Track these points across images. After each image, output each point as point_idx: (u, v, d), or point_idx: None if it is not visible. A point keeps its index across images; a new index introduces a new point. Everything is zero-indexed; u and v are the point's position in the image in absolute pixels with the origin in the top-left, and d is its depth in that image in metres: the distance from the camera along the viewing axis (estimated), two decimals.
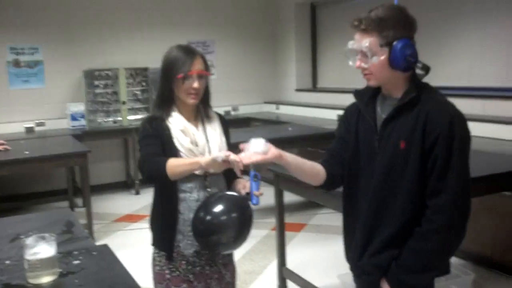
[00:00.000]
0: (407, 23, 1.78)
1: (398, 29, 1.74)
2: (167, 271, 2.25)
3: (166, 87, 2.19)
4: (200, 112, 2.30)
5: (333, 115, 6.68)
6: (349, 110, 2.03)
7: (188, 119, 2.24)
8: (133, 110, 7.04)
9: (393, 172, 1.79)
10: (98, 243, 4.88)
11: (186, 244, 2.20)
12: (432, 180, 1.72)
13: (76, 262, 1.96)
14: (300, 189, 3.64)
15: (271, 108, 8.23)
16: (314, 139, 5.71)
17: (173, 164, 2.05)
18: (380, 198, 1.82)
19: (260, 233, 5.15)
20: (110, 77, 6.97)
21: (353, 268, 2.02)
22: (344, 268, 4.35)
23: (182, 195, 2.18)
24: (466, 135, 1.75)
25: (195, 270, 2.24)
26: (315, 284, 3.68)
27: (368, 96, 1.94)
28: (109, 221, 5.81)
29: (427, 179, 1.73)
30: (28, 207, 6.34)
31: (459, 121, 1.73)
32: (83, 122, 6.85)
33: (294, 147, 6.16)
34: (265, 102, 8.35)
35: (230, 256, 2.36)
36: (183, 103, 2.21)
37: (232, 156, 1.90)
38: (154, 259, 2.30)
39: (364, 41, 1.77)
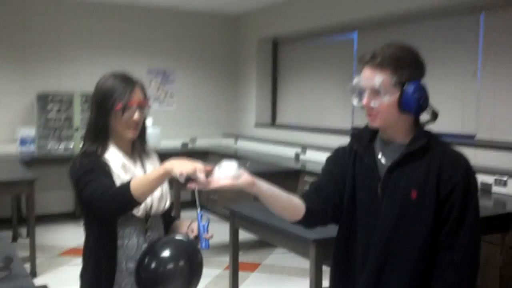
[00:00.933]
0: (421, 65, 1.71)
1: (412, 70, 1.67)
2: None
3: (100, 120, 1.94)
4: (137, 147, 2.06)
5: (291, 152, 6.67)
6: (342, 151, 1.88)
7: (126, 154, 2.00)
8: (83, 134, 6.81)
9: (403, 223, 1.68)
10: (40, 277, 4.72)
11: None
12: (445, 233, 1.65)
13: None
14: (256, 228, 3.54)
15: (230, 142, 8.16)
16: (271, 176, 5.53)
17: (138, 183, 1.75)
18: (386, 253, 1.69)
19: (212, 273, 4.99)
20: (64, 102, 6.76)
21: None
22: None
23: (120, 242, 1.93)
24: (477, 187, 1.70)
25: None
26: None
27: (366, 140, 1.81)
28: (53, 255, 5.52)
29: (440, 231, 1.66)
30: None
31: (472, 172, 1.69)
32: (32, 147, 6.59)
33: None
34: (224, 136, 8.28)
35: None
36: (120, 137, 1.98)
37: (199, 175, 1.61)
38: None
39: (378, 78, 1.66)
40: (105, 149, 1.96)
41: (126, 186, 1.76)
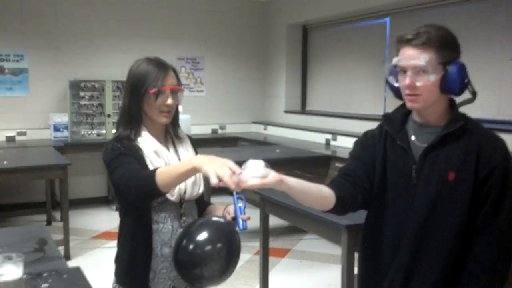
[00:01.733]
0: (459, 46, 1.69)
1: (454, 50, 1.66)
2: None
3: (134, 104, 1.93)
4: (170, 132, 2.06)
5: (321, 138, 6.60)
6: (371, 134, 1.86)
7: (159, 140, 1.98)
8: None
9: (440, 205, 1.66)
10: (74, 260, 4.81)
11: (158, 282, 1.94)
12: (483, 214, 1.63)
13: (44, 285, 1.82)
14: (286, 214, 3.53)
15: (259, 129, 8.14)
16: (302, 162, 5.62)
17: (164, 174, 1.72)
18: (422, 235, 1.68)
19: (242, 257, 4.98)
20: (96, 89, 6.83)
21: None
22: None
23: (154, 226, 1.92)
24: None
25: None
26: None
27: (398, 122, 1.79)
28: (87, 238, 5.62)
29: (477, 213, 1.64)
30: (3, 219, 6.14)
31: (510, 156, 1.67)
32: (65, 133, 6.69)
33: (281, 169, 6.03)
34: (253, 122, 8.26)
35: None
36: (153, 122, 1.97)
37: (227, 178, 1.56)
38: None
39: (423, 56, 1.62)
40: (138, 134, 1.94)
41: (152, 174, 1.73)
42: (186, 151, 2.05)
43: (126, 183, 1.79)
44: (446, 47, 1.63)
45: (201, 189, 2.03)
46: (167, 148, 2.02)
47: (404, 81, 1.66)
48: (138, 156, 1.89)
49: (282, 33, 7.88)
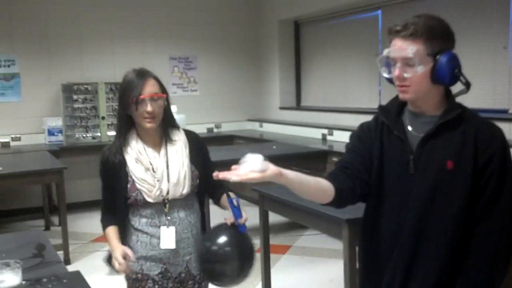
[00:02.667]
0: (452, 36, 1.68)
1: (444, 41, 1.65)
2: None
3: (123, 112, 2.16)
4: (163, 135, 2.23)
5: (318, 133, 6.59)
6: (367, 126, 1.85)
7: (149, 143, 2.19)
8: (113, 126, 6.84)
9: (439, 195, 1.65)
10: (73, 264, 4.78)
11: (150, 265, 2.18)
12: (483, 203, 1.63)
13: None
14: (285, 210, 3.52)
15: (255, 126, 8.11)
16: (299, 157, 5.60)
17: (106, 234, 2.21)
18: (421, 225, 1.67)
19: None
20: (89, 92, 6.80)
21: None
22: None
23: (143, 220, 2.20)
24: (511, 160, 1.68)
25: None
26: None
27: (394, 113, 1.78)
28: (86, 241, 5.60)
29: (478, 197, 1.63)
30: (1, 226, 6.10)
31: (507, 143, 1.67)
32: (60, 137, 6.66)
33: (278, 166, 6.02)
34: (248, 120, 8.24)
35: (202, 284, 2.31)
36: (141, 127, 2.16)
37: (222, 175, 1.60)
38: None
39: (411, 47, 1.62)
40: (127, 143, 2.17)
41: (103, 226, 2.23)
42: (176, 152, 2.20)
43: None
44: (435, 37, 1.62)
45: (186, 190, 2.19)
46: (158, 152, 2.18)
47: (394, 72, 1.67)
48: (121, 173, 2.16)
49: (274, 29, 7.85)
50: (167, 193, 2.15)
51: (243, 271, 2.03)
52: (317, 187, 1.70)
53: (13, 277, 1.65)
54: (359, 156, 1.79)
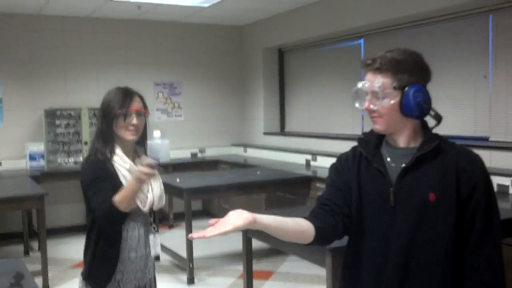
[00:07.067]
0: (423, 70, 1.71)
1: (413, 74, 1.67)
2: None
3: (106, 126, 2.28)
4: (137, 152, 2.40)
5: (302, 159, 6.62)
6: (345, 158, 1.84)
7: (129, 157, 2.33)
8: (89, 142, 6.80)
9: (423, 228, 1.63)
10: None
11: (126, 282, 2.29)
12: (476, 234, 1.62)
13: None
14: (269, 237, 3.47)
15: (239, 151, 8.12)
16: (283, 184, 5.61)
17: (119, 200, 2.15)
18: (407, 261, 1.64)
19: (227, 281, 4.94)
20: (72, 117, 6.77)
21: None
22: None
23: (124, 234, 2.29)
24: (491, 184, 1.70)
25: None
26: None
27: (373, 145, 1.78)
28: (66, 267, 5.50)
29: (465, 233, 1.63)
30: None
31: (486, 168, 1.69)
32: (42, 162, 6.59)
33: (263, 191, 6.04)
34: (233, 145, 8.25)
35: None
36: (123, 142, 2.31)
37: (196, 235, 1.55)
38: None
39: (377, 81, 1.66)
40: (113, 152, 2.28)
41: (114, 205, 2.14)
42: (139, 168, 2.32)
43: (97, 213, 2.19)
44: (402, 71, 1.65)
45: (163, 202, 2.39)
46: (136, 165, 2.31)
47: (364, 105, 1.72)
48: (113, 176, 2.25)
49: (258, 56, 7.92)
50: (153, 203, 2.32)
51: None
52: (296, 228, 1.67)
53: None
54: (338, 190, 1.78)
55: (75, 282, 5.04)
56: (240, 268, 3.98)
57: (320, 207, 1.77)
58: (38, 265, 4.84)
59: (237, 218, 1.52)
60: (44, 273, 4.74)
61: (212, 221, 1.52)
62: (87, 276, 2.32)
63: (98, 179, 2.22)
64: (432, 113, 1.69)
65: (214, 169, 7.37)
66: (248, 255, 3.72)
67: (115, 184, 2.23)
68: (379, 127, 1.71)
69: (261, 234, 3.54)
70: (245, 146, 8.06)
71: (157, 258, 2.36)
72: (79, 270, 5.51)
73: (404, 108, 1.65)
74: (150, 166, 2.17)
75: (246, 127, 8.29)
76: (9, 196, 4.82)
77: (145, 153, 2.45)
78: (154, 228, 2.39)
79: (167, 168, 6.57)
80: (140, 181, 2.17)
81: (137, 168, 2.19)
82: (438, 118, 1.71)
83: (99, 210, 2.17)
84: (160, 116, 7.61)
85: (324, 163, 6.10)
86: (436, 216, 1.62)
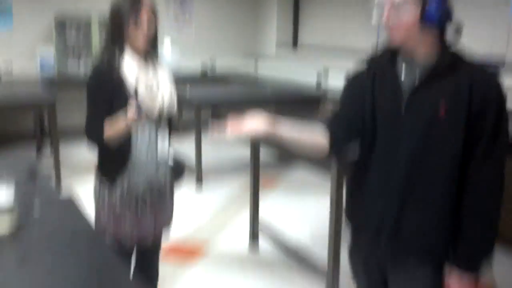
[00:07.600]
0: None
1: None
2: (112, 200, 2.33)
3: (117, 34, 2.22)
4: (150, 57, 2.34)
5: (313, 73, 6.54)
6: (356, 77, 1.84)
7: (139, 63, 2.28)
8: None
9: (430, 141, 1.64)
10: (66, 192, 4.78)
11: (136, 178, 2.31)
12: (479, 148, 1.62)
13: (37, 214, 1.83)
14: (277, 142, 3.55)
15: (250, 64, 7.99)
16: (293, 102, 5.67)
17: (108, 137, 2.20)
18: (413, 173, 1.67)
19: (234, 191, 5.09)
20: (82, 26, 6.70)
21: (372, 244, 1.83)
22: (315, 223, 4.33)
23: (134, 138, 2.28)
24: (506, 107, 1.66)
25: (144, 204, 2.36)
26: (287, 236, 3.68)
27: (385, 60, 1.75)
28: (79, 168, 5.62)
29: (471, 147, 1.62)
30: None
31: (503, 91, 1.63)
32: (52, 67, 6.60)
33: (272, 110, 6.04)
34: (244, 56, 8.13)
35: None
36: (134, 45, 2.23)
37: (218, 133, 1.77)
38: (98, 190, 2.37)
39: None
40: (122, 61, 2.22)
41: (102, 130, 2.19)
42: (165, 74, 2.36)
43: (85, 128, 2.27)
44: None
45: (174, 109, 2.39)
46: (147, 69, 2.28)
47: (383, 17, 1.65)
48: (116, 88, 2.20)
49: None
50: (162, 110, 2.31)
51: None
52: (311, 140, 1.78)
53: (6, 198, 1.67)
54: (352, 104, 1.80)
55: (88, 182, 5.14)
56: (247, 176, 4.07)
57: (333, 120, 1.82)
58: (50, 167, 4.94)
59: (259, 124, 1.62)
60: (57, 172, 4.85)
61: (230, 121, 1.59)
62: (101, 167, 2.37)
63: (98, 99, 2.23)
64: (453, 25, 1.64)
65: (226, 84, 7.31)
66: (255, 162, 3.82)
67: (118, 96, 2.21)
68: (397, 40, 1.66)
69: (269, 139, 3.60)
70: (257, 58, 7.94)
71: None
72: (90, 171, 5.57)
73: (427, 19, 1.60)
74: (138, 110, 2.16)
75: (258, 38, 8.15)
76: (21, 101, 4.90)
77: (157, 57, 2.40)
78: (159, 135, 2.36)
79: (178, 81, 6.56)
80: (127, 126, 2.19)
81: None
82: (459, 30, 1.65)
83: (88, 135, 2.27)
84: (171, 30, 7.52)
85: (336, 80, 6.03)
86: (445, 132, 1.62)
